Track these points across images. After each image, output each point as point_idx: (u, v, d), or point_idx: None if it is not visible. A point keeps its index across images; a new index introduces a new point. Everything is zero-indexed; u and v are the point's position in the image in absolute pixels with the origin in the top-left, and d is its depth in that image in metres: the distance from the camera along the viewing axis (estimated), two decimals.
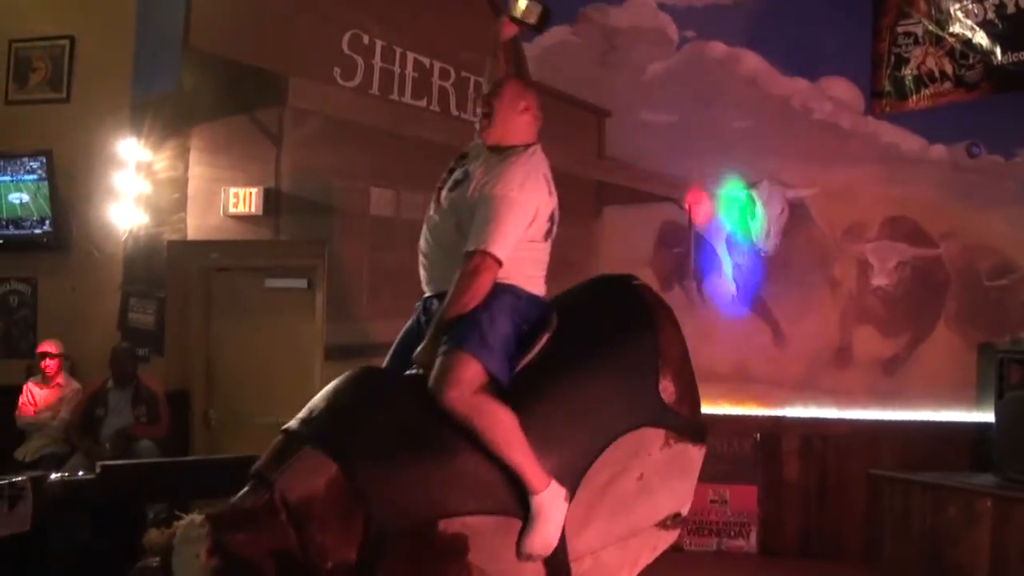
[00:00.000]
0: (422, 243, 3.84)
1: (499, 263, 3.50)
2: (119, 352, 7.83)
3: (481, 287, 3.50)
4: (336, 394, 3.42)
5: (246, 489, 3.24)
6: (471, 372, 3.37)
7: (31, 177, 8.44)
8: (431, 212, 3.81)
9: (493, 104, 3.77)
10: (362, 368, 3.65)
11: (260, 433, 7.73)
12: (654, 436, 3.65)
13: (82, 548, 5.59)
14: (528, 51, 8.14)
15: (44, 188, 8.43)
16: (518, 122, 3.78)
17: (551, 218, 3.74)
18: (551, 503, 3.38)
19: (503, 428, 3.35)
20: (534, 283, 3.72)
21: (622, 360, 3.65)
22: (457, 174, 3.79)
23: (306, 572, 3.07)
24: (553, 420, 3.47)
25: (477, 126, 3.83)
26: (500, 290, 3.56)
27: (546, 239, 3.75)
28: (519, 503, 3.37)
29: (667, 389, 3.69)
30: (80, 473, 6.32)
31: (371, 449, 3.24)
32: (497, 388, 3.44)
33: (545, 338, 3.63)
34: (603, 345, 3.65)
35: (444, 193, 3.78)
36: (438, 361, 3.41)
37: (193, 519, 3.07)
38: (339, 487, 3.15)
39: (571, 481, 3.45)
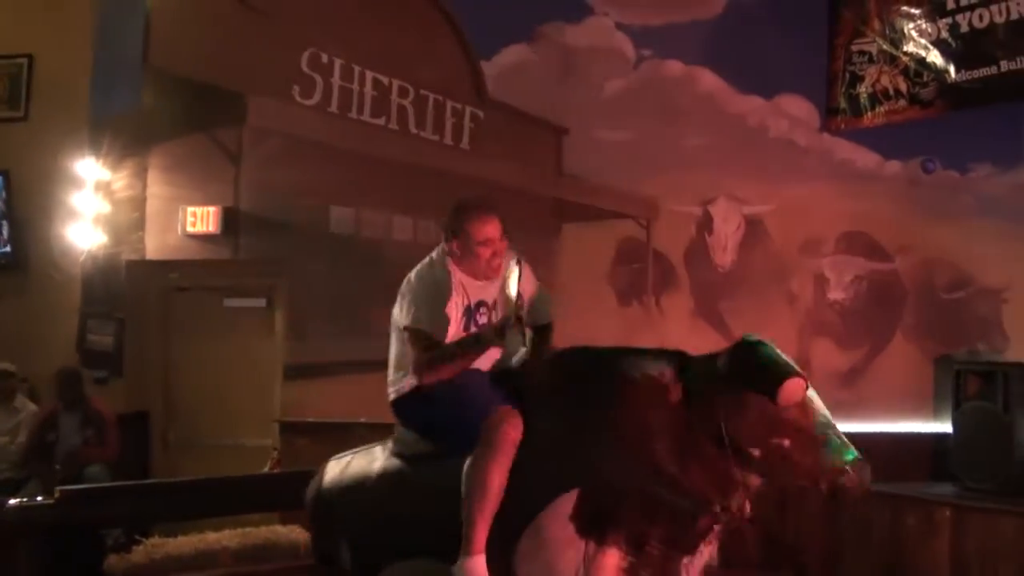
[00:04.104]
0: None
1: None
2: (64, 374, 7.68)
3: None
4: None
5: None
6: None
7: None
8: None
9: None
10: None
11: (219, 454, 7.72)
12: None
13: (42, 574, 5.52)
14: (486, 68, 8.35)
15: (1, 208, 8.35)
16: None
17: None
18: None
19: None
20: None
21: None
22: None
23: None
24: None
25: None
26: None
27: None
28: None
29: None
30: (39, 498, 6.23)
31: None
32: None
33: None
34: None
35: None
36: None
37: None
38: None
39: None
